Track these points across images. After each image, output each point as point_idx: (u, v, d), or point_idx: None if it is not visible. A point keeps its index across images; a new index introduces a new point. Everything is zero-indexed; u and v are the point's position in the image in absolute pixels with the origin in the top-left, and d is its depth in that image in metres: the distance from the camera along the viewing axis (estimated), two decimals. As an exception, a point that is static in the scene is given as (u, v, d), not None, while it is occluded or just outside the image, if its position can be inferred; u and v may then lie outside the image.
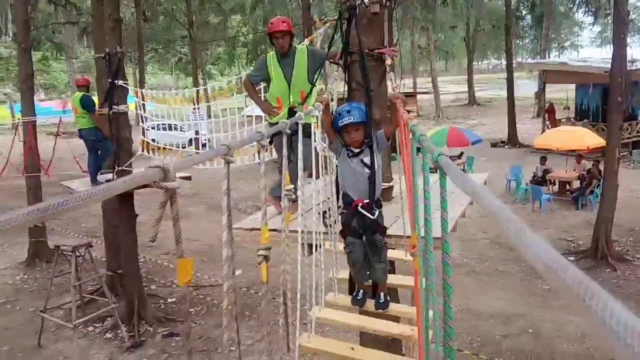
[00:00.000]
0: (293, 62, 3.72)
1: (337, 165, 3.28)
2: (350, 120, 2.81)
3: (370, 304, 3.11)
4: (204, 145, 15.94)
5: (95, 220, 12.73)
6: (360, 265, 3.01)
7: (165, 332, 7.58)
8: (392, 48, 3.51)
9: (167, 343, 7.35)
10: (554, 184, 14.14)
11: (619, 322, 0.36)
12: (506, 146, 21.40)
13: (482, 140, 17.83)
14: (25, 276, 9.78)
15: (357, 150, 2.91)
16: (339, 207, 3.06)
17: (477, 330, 7.59)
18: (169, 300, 8.79)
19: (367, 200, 2.84)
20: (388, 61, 3.30)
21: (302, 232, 3.06)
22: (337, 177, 3.19)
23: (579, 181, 13.54)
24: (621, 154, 16.13)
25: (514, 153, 19.89)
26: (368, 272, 3.07)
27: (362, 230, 2.89)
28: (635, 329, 0.35)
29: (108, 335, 7.53)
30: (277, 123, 3.22)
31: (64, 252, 7.30)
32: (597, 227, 9.99)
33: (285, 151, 2.69)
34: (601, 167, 12.15)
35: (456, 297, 8.92)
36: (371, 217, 2.83)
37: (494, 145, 21.52)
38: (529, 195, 13.62)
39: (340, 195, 3.01)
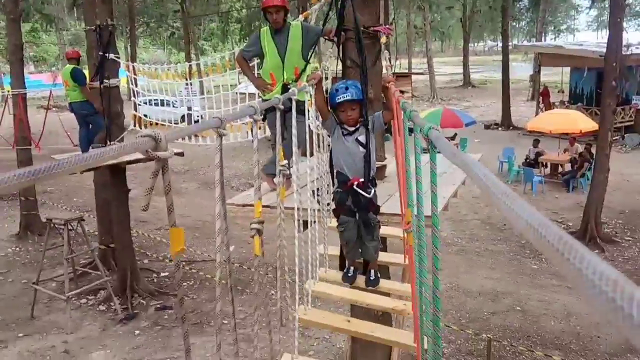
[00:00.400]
0: (287, 37, 3.67)
1: (329, 144, 3.23)
2: (347, 97, 2.76)
3: (360, 281, 3.15)
4: (196, 122, 15.83)
5: (87, 195, 12.68)
6: (353, 244, 3.01)
7: (158, 305, 7.66)
8: (387, 26, 3.47)
9: (159, 316, 7.44)
10: (546, 167, 14.24)
11: (607, 283, 0.37)
12: (500, 128, 21.45)
13: (475, 122, 17.84)
14: (17, 249, 9.79)
15: (351, 129, 2.87)
16: (333, 185, 3.03)
17: (466, 307, 7.75)
18: (162, 274, 8.86)
19: (362, 179, 2.83)
20: (383, 39, 3.26)
21: (298, 208, 3.08)
22: (330, 155, 3.17)
23: (570, 164, 13.64)
24: (613, 138, 16.29)
25: (507, 135, 19.96)
26: (360, 250, 3.08)
27: (357, 209, 2.89)
28: (618, 284, 0.37)
29: (101, 307, 7.60)
30: (271, 99, 3.19)
31: (56, 225, 7.29)
32: (587, 209, 10.12)
33: (278, 127, 2.68)
34: (593, 150, 12.24)
35: (446, 275, 9.09)
36: (367, 195, 2.82)
37: (487, 127, 21.56)
38: (521, 177, 13.72)
39: (335, 174, 2.97)
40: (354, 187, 2.80)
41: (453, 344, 6.88)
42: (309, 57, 3.70)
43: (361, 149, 2.84)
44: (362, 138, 2.84)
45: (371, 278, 3.12)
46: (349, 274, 3.15)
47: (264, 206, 3.26)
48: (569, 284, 9.08)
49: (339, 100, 2.78)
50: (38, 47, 38.06)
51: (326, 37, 3.58)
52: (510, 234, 10.94)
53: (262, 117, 3.86)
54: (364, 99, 2.83)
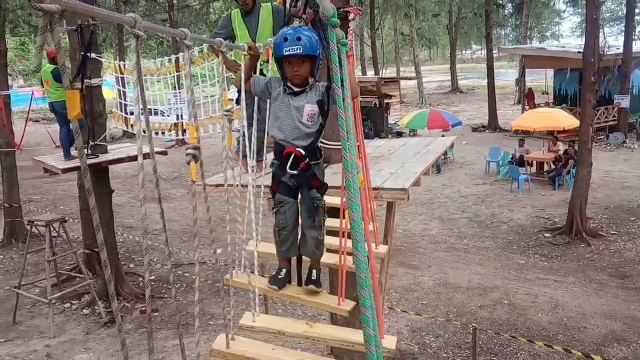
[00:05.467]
0: (258, 19, 3.74)
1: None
2: (298, 52, 2.18)
3: (292, 288, 2.57)
4: (184, 131, 15.88)
5: (73, 203, 12.58)
6: (288, 233, 2.41)
7: (143, 308, 7.56)
8: (357, 7, 3.51)
9: (144, 318, 7.35)
10: (532, 165, 14.38)
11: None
12: (487, 130, 21.68)
13: (462, 123, 18.04)
14: (1, 256, 9.66)
15: (297, 89, 2.32)
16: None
17: (454, 302, 7.74)
18: (148, 278, 8.79)
19: (301, 150, 2.31)
20: (351, 16, 3.29)
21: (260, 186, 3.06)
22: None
23: (554, 162, 13.79)
24: (598, 138, 16.52)
25: (494, 137, 20.15)
26: (298, 244, 2.48)
27: (297, 185, 2.37)
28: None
29: (85, 311, 7.51)
30: None
31: (38, 227, 7.21)
32: (572, 203, 10.21)
33: (243, 105, 2.68)
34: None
35: (434, 272, 9.05)
36: (289, 170, 2.31)
37: (475, 129, 21.80)
38: (509, 176, 13.87)
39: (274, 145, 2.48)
40: (292, 157, 2.30)
41: (441, 337, 6.86)
42: None
43: (311, 109, 2.30)
44: (312, 99, 2.30)
45: (312, 277, 2.49)
46: (279, 276, 2.52)
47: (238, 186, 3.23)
48: (555, 277, 9.06)
49: (287, 53, 2.21)
50: (27, 60, 37.96)
51: (296, 16, 3.62)
52: (498, 231, 10.99)
53: (235, 100, 3.89)
54: (318, 53, 2.24)
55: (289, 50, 2.19)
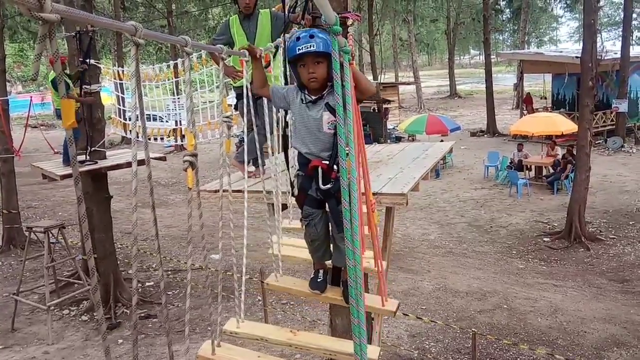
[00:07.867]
0: (256, 24, 3.75)
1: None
2: (312, 49, 2.08)
3: (333, 290, 2.56)
4: (183, 137, 15.91)
5: (72, 209, 12.59)
6: (321, 243, 2.42)
7: (142, 314, 7.54)
8: (355, 13, 3.53)
9: (143, 324, 7.32)
10: (530, 170, 14.40)
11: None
12: (485, 135, 21.71)
13: (460, 128, 18.08)
14: (0, 263, 9.63)
15: (315, 97, 2.20)
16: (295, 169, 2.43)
17: (453, 307, 7.72)
18: (147, 284, 8.75)
19: (327, 162, 2.20)
20: (349, 22, 3.30)
21: (269, 192, 3.08)
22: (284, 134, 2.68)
23: (552, 167, 13.82)
24: (596, 142, 16.57)
25: (492, 141, 20.19)
26: (332, 253, 2.47)
27: (324, 197, 2.29)
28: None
29: (84, 317, 7.48)
30: (242, 87, 3.22)
31: (36, 234, 7.20)
32: (571, 207, 10.22)
33: (245, 109, 2.69)
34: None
35: (433, 277, 9.02)
36: (323, 186, 2.21)
37: (473, 134, 21.83)
38: (507, 180, 13.88)
39: (296, 156, 2.39)
40: (318, 171, 2.21)
41: (441, 342, 6.84)
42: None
43: (329, 117, 2.16)
44: (333, 103, 2.10)
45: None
46: (318, 279, 2.55)
47: (235, 191, 3.24)
48: (555, 281, 9.05)
49: (300, 52, 2.10)
50: (26, 66, 38.08)
51: (295, 22, 3.64)
52: (497, 236, 10.99)
53: (233, 105, 3.90)
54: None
55: (303, 47, 2.09)
